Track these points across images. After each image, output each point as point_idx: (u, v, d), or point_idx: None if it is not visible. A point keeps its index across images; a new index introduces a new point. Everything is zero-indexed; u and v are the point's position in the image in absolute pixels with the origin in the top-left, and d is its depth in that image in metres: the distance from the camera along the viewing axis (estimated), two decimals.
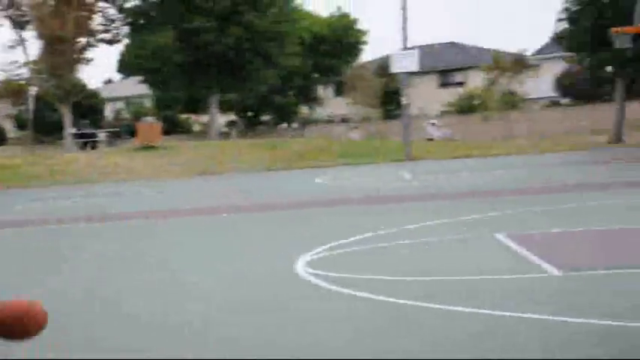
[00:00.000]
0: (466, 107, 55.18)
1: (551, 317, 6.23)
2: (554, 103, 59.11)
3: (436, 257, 9.49)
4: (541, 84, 59.84)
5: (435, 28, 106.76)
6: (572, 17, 40.05)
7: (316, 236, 11.45)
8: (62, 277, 9.66)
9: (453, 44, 68.93)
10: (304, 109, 64.32)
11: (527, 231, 10.99)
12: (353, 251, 10.16)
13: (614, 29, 29.76)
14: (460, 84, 63.64)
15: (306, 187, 22.67)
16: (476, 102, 55.03)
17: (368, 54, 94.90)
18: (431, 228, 11.99)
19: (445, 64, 66.16)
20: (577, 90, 54.71)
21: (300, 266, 9.15)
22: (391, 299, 7.24)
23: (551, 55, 57.40)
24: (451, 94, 58.52)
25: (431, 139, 49.11)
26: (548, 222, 11.73)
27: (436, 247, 10.25)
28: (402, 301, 7.11)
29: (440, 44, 68.26)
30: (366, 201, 17.23)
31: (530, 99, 56.61)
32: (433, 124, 50.14)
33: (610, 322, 5.95)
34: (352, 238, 11.10)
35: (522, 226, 11.47)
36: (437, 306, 6.86)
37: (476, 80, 58.44)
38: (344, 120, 60.36)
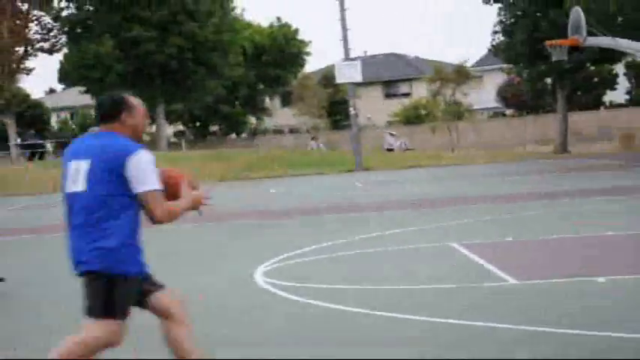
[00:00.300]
0: (412, 118, 55.62)
1: (502, 325, 6.28)
2: (499, 114, 59.90)
3: (389, 266, 9.52)
4: (484, 95, 60.64)
5: (375, 39, 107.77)
6: (507, 30, 40.72)
7: (272, 246, 11.44)
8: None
9: (394, 55, 69.52)
10: (252, 120, 64.24)
11: (480, 240, 11.10)
12: (308, 261, 10.16)
13: (548, 42, 30.28)
14: (406, 95, 64.14)
15: (260, 198, 22.63)
16: (422, 112, 55.51)
17: (312, 64, 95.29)
18: (384, 237, 12.04)
19: (389, 74, 66.65)
20: (520, 101, 55.52)
21: (258, 276, 9.15)
22: (341, 307, 7.26)
23: (492, 66, 58.16)
24: (397, 105, 58.93)
25: (390, 149, 49.54)
26: (501, 231, 11.86)
27: (389, 256, 10.29)
28: (352, 309, 7.13)
29: (382, 55, 68.80)
30: (318, 211, 17.25)
31: (475, 109, 57.29)
32: (392, 134, 50.50)
33: (566, 331, 6.02)
34: (307, 248, 11.11)
35: (476, 235, 11.57)
36: (388, 314, 6.89)
37: (420, 91, 58.95)
38: (292, 130, 60.43)
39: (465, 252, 10.05)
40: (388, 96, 66.21)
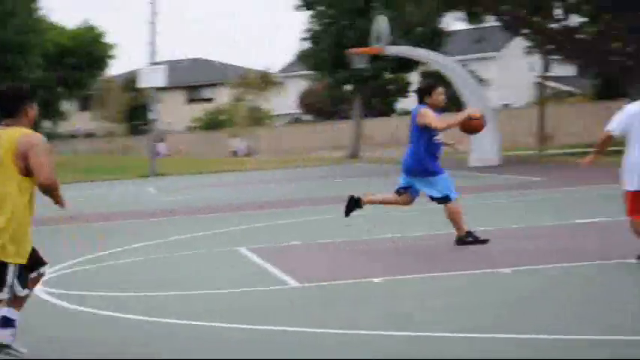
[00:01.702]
0: (213, 123, 55.51)
1: (287, 328, 6.34)
2: (297, 120, 60.85)
3: (179, 272, 9.42)
4: (286, 101, 61.48)
5: (181, 45, 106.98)
6: (315, 37, 41.54)
7: (58, 254, 11.03)
8: None
9: (199, 60, 69.27)
10: (47, 124, 61.96)
11: (268, 244, 11.17)
12: (93, 268, 9.89)
13: (351, 50, 31.10)
14: (208, 100, 63.97)
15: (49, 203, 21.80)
16: (223, 118, 55.50)
17: (117, 68, 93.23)
18: (175, 243, 11.90)
19: (192, 79, 66.31)
20: (318, 107, 56.64)
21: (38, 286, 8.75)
22: (127, 315, 7.10)
23: (295, 73, 59.06)
24: (199, 110, 58.69)
25: (234, 153, 48.92)
26: (288, 235, 11.99)
27: (180, 261, 10.19)
28: (137, 317, 6.99)
29: (187, 60, 68.40)
30: (109, 217, 16.86)
31: (275, 115, 57.91)
32: (236, 137, 50.04)
33: (347, 331, 6.14)
34: (90, 256, 10.81)
35: (264, 240, 11.64)
36: (174, 321, 6.79)
37: (223, 96, 58.97)
38: (88, 135, 58.86)
39: (252, 256, 10.08)
40: (191, 101, 65.82)
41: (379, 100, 48.23)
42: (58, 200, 5.86)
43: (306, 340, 6.03)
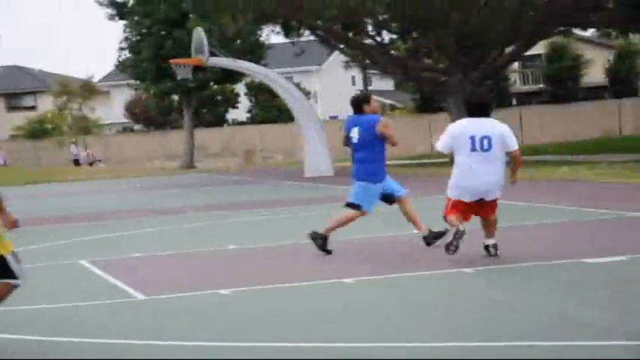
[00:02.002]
0: (38, 132, 53.89)
1: (133, 341, 6.46)
2: (127, 130, 59.99)
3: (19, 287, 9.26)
4: (113, 110, 60.45)
5: None
6: (134, 47, 41.19)
7: None
8: None
9: (18, 68, 67.04)
10: None
11: (109, 256, 11.16)
12: None
13: (172, 60, 31.09)
14: (31, 108, 61.99)
15: None
16: (48, 126, 54.01)
17: None
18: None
19: (11, 87, 64.10)
20: (148, 117, 56.08)
21: None
22: None
23: (119, 82, 58.21)
24: (22, 119, 56.76)
25: (76, 161, 46.85)
26: (130, 247, 12.00)
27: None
28: None
29: (3, 67, 66.09)
30: None
31: (104, 125, 56.87)
32: (73, 142, 47.96)
33: (192, 343, 6.33)
34: None
35: (105, 252, 11.60)
36: (21, 337, 6.77)
37: (46, 105, 57.32)
38: None
39: (94, 269, 10.05)
40: (12, 109, 63.57)
41: (209, 111, 48.33)
42: None
43: (155, 352, 6.18)
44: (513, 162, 9.12)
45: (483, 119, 9.00)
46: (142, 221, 15.89)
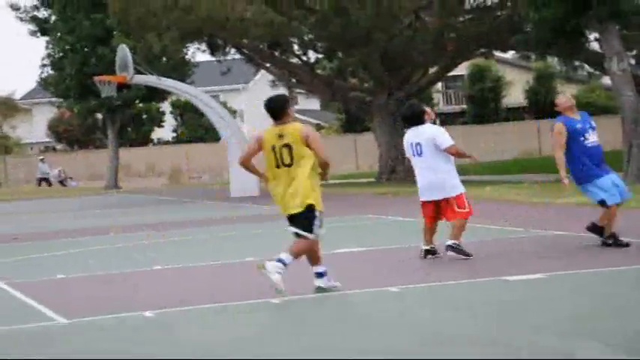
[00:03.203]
0: None
1: None
2: (49, 148, 58.98)
3: None
4: (35, 128, 59.34)
5: None
6: (57, 64, 40.63)
7: None
8: None
9: None
10: None
11: (30, 279, 10.94)
12: None
13: (97, 78, 30.81)
14: None
15: None
16: None
17: None
18: None
19: None
20: (70, 135, 55.24)
21: None
22: None
23: (42, 99, 57.27)
24: None
25: (45, 179, 44.52)
26: (51, 268, 11.79)
27: None
28: None
29: None
30: None
31: (25, 143, 55.80)
32: (42, 159, 45.84)
33: None
34: None
35: (24, 274, 11.38)
36: None
37: None
38: None
39: (14, 292, 9.85)
40: None
41: (134, 129, 47.84)
42: None
43: None
44: (454, 156, 10.20)
45: (419, 127, 10.18)
46: (65, 242, 15.63)
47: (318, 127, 57.44)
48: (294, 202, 8.37)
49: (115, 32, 32.75)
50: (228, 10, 27.42)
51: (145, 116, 47.89)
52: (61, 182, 44.95)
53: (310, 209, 8.39)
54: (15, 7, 40.39)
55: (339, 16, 26.43)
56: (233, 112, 47.26)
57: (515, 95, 53.43)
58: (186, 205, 25.25)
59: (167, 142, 54.08)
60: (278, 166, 8.41)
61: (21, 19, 40.71)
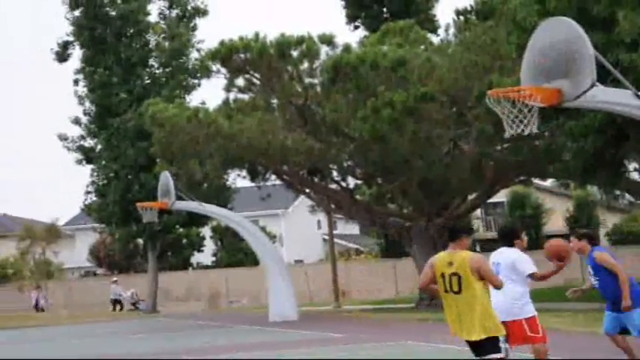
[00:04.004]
0: None
1: None
2: (90, 273, 59.46)
3: None
4: (76, 253, 60.04)
5: None
6: (100, 191, 41.49)
7: None
8: None
9: None
10: None
11: None
12: None
13: (139, 204, 31.37)
14: None
15: None
16: (9, 271, 53.42)
17: None
18: None
19: None
20: (112, 260, 55.75)
21: None
22: None
23: (84, 225, 58.14)
24: None
25: (118, 301, 44.11)
26: None
27: None
28: None
29: None
30: None
31: (66, 268, 56.31)
32: (115, 281, 45.45)
33: None
34: None
35: None
36: None
37: (8, 249, 56.89)
38: None
39: None
40: None
41: (174, 254, 48.18)
42: None
43: None
44: (540, 280, 10.29)
45: (505, 249, 10.28)
46: None
47: (358, 252, 57.42)
48: (471, 330, 8.69)
49: (157, 160, 33.51)
50: (268, 138, 28.01)
51: (184, 241, 48.30)
52: (134, 304, 44.67)
53: (491, 340, 8.68)
54: (63, 138, 41.65)
55: (378, 144, 26.82)
56: (272, 237, 47.53)
57: (555, 222, 53.15)
58: (223, 330, 25.14)
59: (206, 267, 54.27)
60: (447, 291, 8.80)
61: (68, 149, 41.87)
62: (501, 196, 46.88)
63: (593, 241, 10.83)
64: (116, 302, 44.28)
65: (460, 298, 8.67)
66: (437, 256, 8.99)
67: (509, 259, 10.17)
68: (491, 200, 37.99)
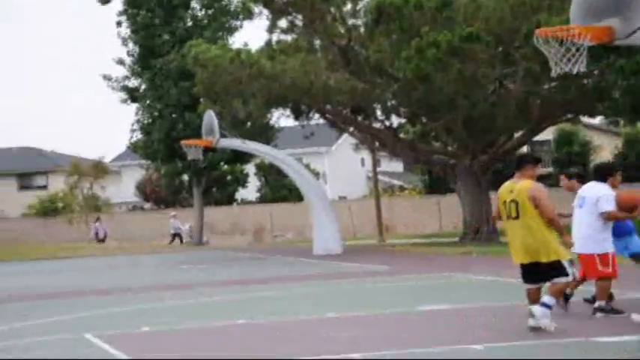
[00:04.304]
0: (49, 210, 54.35)
1: None
2: (137, 208, 60.38)
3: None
4: (123, 189, 60.94)
5: (6, 132, 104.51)
6: (145, 129, 41.95)
7: None
8: None
9: (30, 149, 67.97)
10: None
11: (118, 330, 11.23)
12: None
13: (184, 142, 31.68)
14: (42, 187, 62.57)
15: None
16: (59, 205, 54.42)
17: None
18: (17, 331, 11.73)
19: (23, 167, 64.87)
20: (157, 195, 56.52)
21: None
22: None
23: (131, 162, 58.85)
24: (32, 197, 57.25)
25: (177, 235, 43.67)
26: (139, 321, 12.08)
27: (29, 348, 10.06)
28: None
29: (17, 148, 67.12)
30: None
31: (113, 203, 57.21)
32: (174, 215, 45.22)
33: None
34: None
35: (113, 326, 11.68)
36: None
37: (57, 184, 57.86)
38: None
39: (101, 344, 10.13)
40: (23, 188, 64.20)
41: (219, 190, 48.67)
42: None
43: None
44: (611, 220, 10.30)
45: (594, 183, 10.53)
46: (148, 296, 15.97)
47: (402, 189, 57.50)
48: (531, 254, 9.15)
49: (201, 99, 33.70)
50: (311, 78, 27.98)
51: (229, 177, 48.73)
52: (191, 237, 44.67)
53: (555, 264, 9.12)
54: (107, 78, 42.02)
55: (422, 83, 26.66)
56: (316, 174, 47.67)
57: (604, 160, 52.53)
58: (270, 262, 25.55)
59: (251, 202, 54.78)
60: (508, 218, 9.32)
61: (113, 88, 42.27)
62: (548, 134, 46.40)
63: (583, 179, 11.17)
64: (175, 235, 44.46)
65: (518, 223, 9.13)
66: (503, 185, 9.47)
67: (596, 195, 10.32)
68: (537, 138, 37.66)
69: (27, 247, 41.09)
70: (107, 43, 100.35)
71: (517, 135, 32.78)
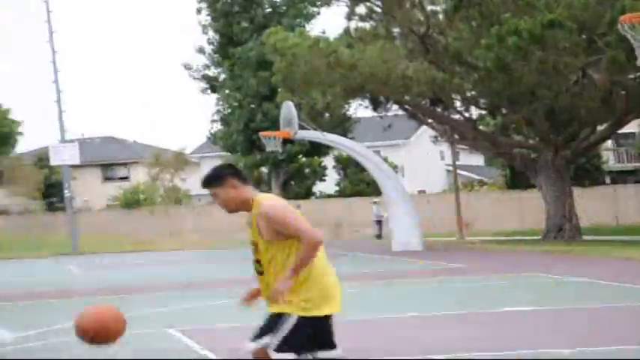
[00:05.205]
0: (132, 201, 55.26)
1: None
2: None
3: (114, 354, 9.39)
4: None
5: (91, 122, 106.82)
6: (225, 119, 42.27)
7: None
8: None
9: (113, 139, 69.19)
10: None
11: (199, 325, 11.27)
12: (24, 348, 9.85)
13: (262, 133, 31.69)
14: (124, 178, 63.67)
15: None
16: (141, 196, 55.30)
17: (25, 145, 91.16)
18: None
19: (106, 157, 66.03)
20: None
21: None
22: None
23: (210, 153, 59.42)
24: (116, 188, 58.34)
25: (379, 222, 41.19)
26: (221, 316, 12.11)
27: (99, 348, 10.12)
28: None
29: (100, 138, 68.35)
30: (26, 297, 16.65)
31: (193, 195, 57.88)
32: (375, 202, 43.32)
33: None
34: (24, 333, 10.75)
35: (194, 321, 11.73)
36: None
37: (139, 175, 58.76)
38: (1, 212, 57.72)
39: (182, 337, 10.17)
40: (107, 179, 65.44)
41: (297, 183, 48.78)
42: None
43: None
44: None
45: None
46: (229, 291, 16.02)
47: (482, 183, 56.76)
48: None
49: (279, 89, 33.82)
50: (390, 68, 27.76)
51: (307, 170, 48.79)
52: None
53: None
54: (188, 67, 42.52)
55: (503, 73, 26.23)
56: (394, 167, 47.38)
57: None
58: (349, 258, 25.45)
59: (329, 196, 54.76)
60: None
61: (193, 78, 42.75)
62: (633, 127, 45.22)
63: None
64: (378, 222, 41.24)
65: None
66: None
67: None
68: (622, 131, 36.75)
69: (107, 239, 41.77)
70: (188, 32, 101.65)
71: (601, 128, 32.02)
